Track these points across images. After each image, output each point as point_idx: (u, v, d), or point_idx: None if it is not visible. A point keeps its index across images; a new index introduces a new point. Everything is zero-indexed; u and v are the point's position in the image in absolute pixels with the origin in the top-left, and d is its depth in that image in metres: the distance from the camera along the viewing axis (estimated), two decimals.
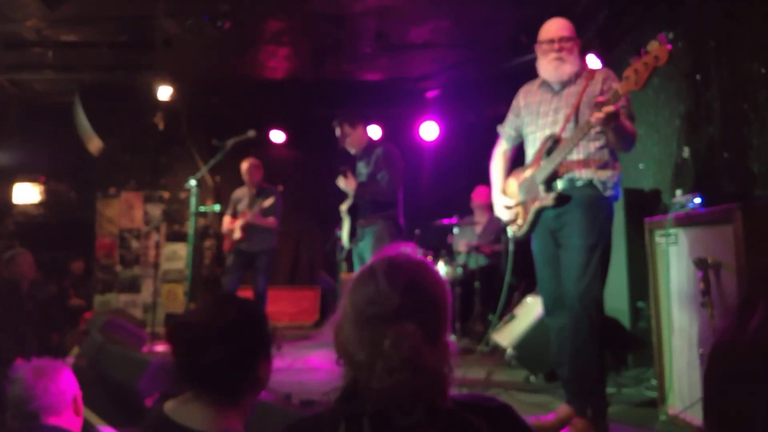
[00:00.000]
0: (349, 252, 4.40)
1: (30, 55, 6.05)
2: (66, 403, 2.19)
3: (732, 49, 3.39)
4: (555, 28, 2.91)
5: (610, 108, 2.49)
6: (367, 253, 4.19)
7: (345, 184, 4.24)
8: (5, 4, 4.95)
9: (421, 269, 1.12)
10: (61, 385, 2.19)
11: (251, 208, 5.83)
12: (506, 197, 3.14)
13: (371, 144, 4.45)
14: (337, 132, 4.40)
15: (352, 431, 0.98)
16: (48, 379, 2.16)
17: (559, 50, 2.86)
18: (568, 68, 2.87)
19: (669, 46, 2.34)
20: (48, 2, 3.49)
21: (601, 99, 2.58)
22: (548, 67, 2.91)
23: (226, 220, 6.01)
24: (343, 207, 4.34)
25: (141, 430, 1.51)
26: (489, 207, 6.09)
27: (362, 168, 4.38)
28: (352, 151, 4.42)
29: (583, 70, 2.93)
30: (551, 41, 2.89)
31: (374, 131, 6.96)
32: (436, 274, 1.15)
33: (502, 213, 3.15)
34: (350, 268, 5.25)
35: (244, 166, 5.94)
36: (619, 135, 2.69)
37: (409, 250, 1.17)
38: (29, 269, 5.12)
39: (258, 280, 5.85)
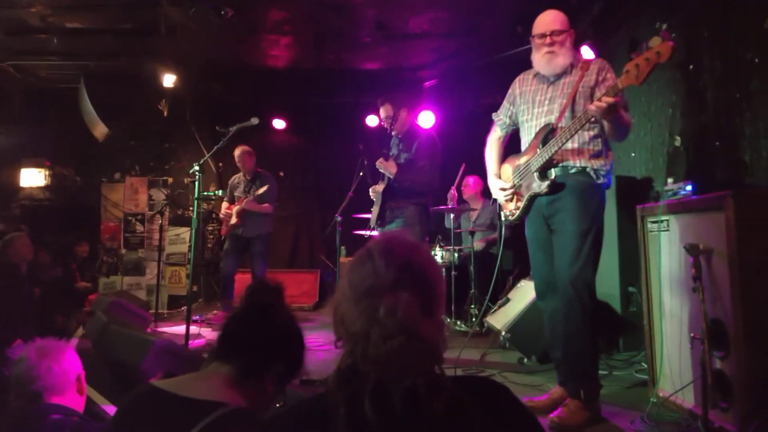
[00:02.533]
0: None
1: (35, 41, 6.09)
2: (69, 382, 2.20)
3: (725, 38, 3.40)
4: (547, 21, 2.93)
5: (610, 99, 2.53)
6: None
7: (385, 166, 4.17)
8: None
9: (416, 249, 1.15)
10: (64, 364, 2.19)
11: (247, 193, 5.93)
12: (502, 181, 3.19)
13: (413, 128, 4.39)
14: (381, 112, 4.35)
15: (353, 411, 1.00)
16: (52, 359, 2.16)
17: (551, 44, 2.89)
18: (561, 61, 2.91)
19: (672, 43, 2.36)
20: None
21: (608, 84, 2.61)
22: (541, 60, 2.95)
23: (224, 206, 6.12)
24: (378, 188, 4.28)
25: (126, 401, 1.45)
26: (480, 194, 6.18)
27: (398, 150, 4.33)
28: (394, 132, 4.36)
29: (578, 61, 2.96)
30: (543, 35, 2.92)
31: (372, 120, 7.01)
32: (430, 255, 1.19)
33: (498, 195, 3.20)
34: None
35: (237, 152, 6.05)
36: (615, 125, 2.73)
37: (405, 233, 1.21)
38: (27, 251, 5.15)
39: (256, 265, 5.96)
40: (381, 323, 1.02)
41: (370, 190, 4.41)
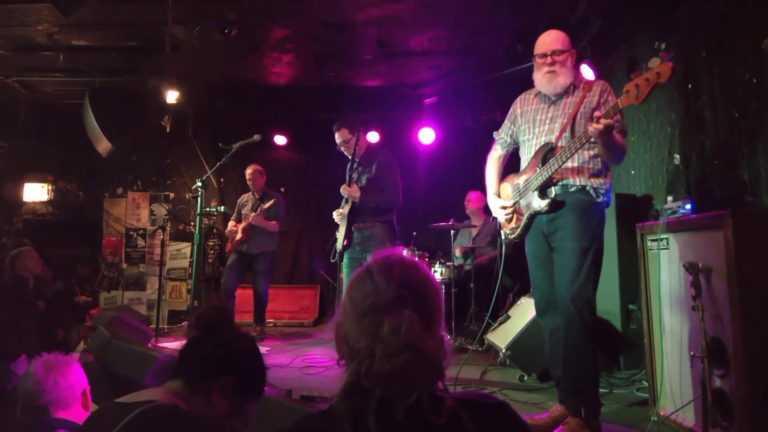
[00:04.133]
0: (340, 254, 4.38)
1: (41, 58, 6.16)
2: (75, 397, 2.22)
3: (723, 58, 3.44)
4: (548, 41, 2.97)
5: (608, 121, 2.57)
6: (368, 256, 4.14)
7: (349, 192, 4.26)
8: (18, 10, 5.04)
9: (414, 266, 1.18)
10: (71, 379, 2.22)
11: (255, 212, 5.98)
12: (502, 200, 3.21)
13: (371, 150, 4.48)
14: (337, 138, 4.44)
15: (357, 427, 1.01)
16: (58, 374, 2.19)
17: (552, 63, 2.94)
18: (562, 80, 2.94)
19: (671, 64, 2.40)
20: (62, 9, 3.56)
21: (599, 113, 2.66)
22: (542, 80, 2.99)
23: (230, 223, 6.16)
24: (343, 211, 4.35)
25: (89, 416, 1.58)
26: (482, 210, 6.20)
27: (360, 173, 4.40)
28: (349, 155, 4.43)
29: (579, 81, 3.00)
30: (544, 55, 2.96)
31: (372, 136, 7.04)
32: (428, 272, 1.21)
33: (498, 213, 3.22)
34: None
35: (249, 171, 6.14)
36: (609, 148, 2.77)
37: (402, 251, 1.24)
38: (35, 265, 5.15)
39: (258, 282, 5.97)
40: (385, 340, 1.03)
41: (334, 213, 4.49)
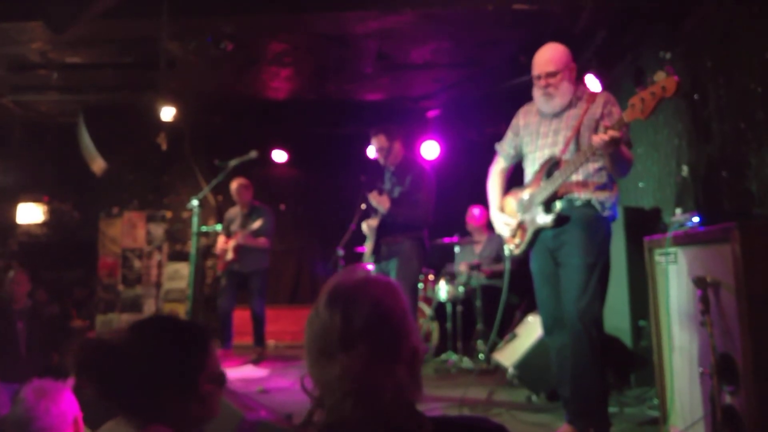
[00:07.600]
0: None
1: (35, 76, 6.11)
2: (67, 424, 2.19)
3: (729, 68, 3.43)
4: (541, 62, 2.94)
5: (615, 133, 2.53)
6: (392, 272, 4.06)
7: (378, 201, 4.10)
8: (12, 28, 5.00)
9: (361, 291, 1.10)
10: (62, 406, 2.19)
11: (243, 228, 5.85)
12: (505, 215, 3.16)
13: (406, 161, 4.31)
14: (374, 144, 4.27)
15: None
16: (50, 401, 2.16)
17: (546, 86, 2.91)
18: (558, 101, 2.92)
19: (677, 78, 2.37)
20: (53, 27, 3.52)
21: (607, 123, 2.62)
22: (540, 99, 2.98)
23: (220, 240, 6.04)
24: (372, 223, 4.20)
25: None
26: (485, 226, 6.11)
27: (391, 183, 4.26)
28: (382, 162, 4.29)
29: (582, 93, 2.97)
30: (538, 77, 2.94)
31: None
32: (379, 294, 1.11)
33: (502, 230, 3.17)
34: None
35: (233, 186, 5.98)
36: (616, 160, 2.73)
37: (356, 272, 1.16)
38: (19, 288, 5.08)
39: (254, 301, 5.85)
40: (331, 389, 1.00)
41: (363, 224, 4.34)
